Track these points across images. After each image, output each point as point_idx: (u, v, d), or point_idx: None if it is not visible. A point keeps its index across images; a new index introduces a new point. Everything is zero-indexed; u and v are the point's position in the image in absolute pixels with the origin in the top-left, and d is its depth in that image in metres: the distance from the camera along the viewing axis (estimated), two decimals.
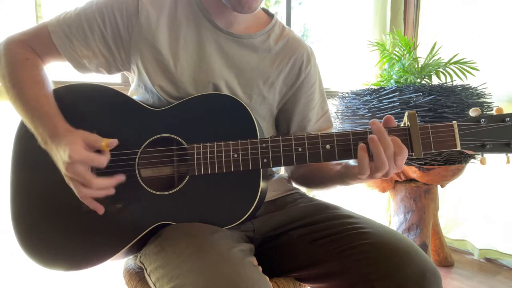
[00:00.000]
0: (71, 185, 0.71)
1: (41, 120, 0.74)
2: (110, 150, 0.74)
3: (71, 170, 0.68)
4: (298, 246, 0.81)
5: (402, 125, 0.72)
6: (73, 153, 0.66)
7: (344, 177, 0.76)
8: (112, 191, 0.72)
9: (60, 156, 0.69)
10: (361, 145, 0.69)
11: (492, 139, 0.68)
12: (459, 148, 0.69)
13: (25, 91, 0.76)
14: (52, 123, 0.73)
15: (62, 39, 0.81)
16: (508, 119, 0.68)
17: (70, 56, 0.82)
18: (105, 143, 0.71)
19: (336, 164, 0.80)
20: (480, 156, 0.71)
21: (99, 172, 0.72)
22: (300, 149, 0.73)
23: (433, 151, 0.69)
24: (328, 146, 0.72)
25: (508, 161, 0.69)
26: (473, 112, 0.70)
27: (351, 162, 0.74)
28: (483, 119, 0.68)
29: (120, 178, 0.72)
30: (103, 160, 0.70)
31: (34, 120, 0.74)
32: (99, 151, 0.72)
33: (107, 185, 0.70)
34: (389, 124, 0.71)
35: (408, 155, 0.70)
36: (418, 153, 0.69)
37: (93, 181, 0.68)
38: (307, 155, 0.73)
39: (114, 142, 0.72)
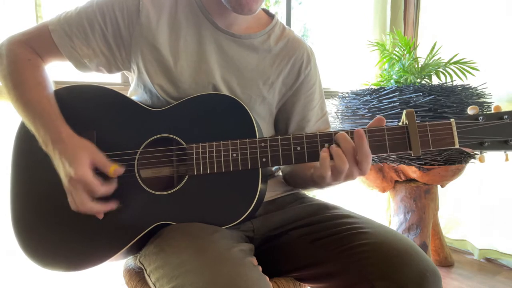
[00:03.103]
0: (68, 195, 0.73)
1: (42, 122, 0.74)
2: (110, 151, 0.76)
3: (72, 184, 0.71)
4: (298, 246, 0.81)
5: (400, 123, 0.72)
6: (78, 171, 0.69)
7: (315, 178, 0.76)
8: (100, 215, 0.75)
9: (64, 166, 0.71)
10: (324, 149, 0.71)
11: (490, 137, 0.68)
12: (457, 146, 0.69)
13: (26, 92, 0.77)
14: (54, 126, 0.73)
15: (63, 38, 0.81)
16: (506, 116, 0.68)
17: (70, 55, 0.82)
18: (113, 170, 0.73)
19: (313, 167, 0.80)
20: (479, 154, 0.71)
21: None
22: (298, 148, 0.73)
23: (431, 149, 0.69)
24: (326, 145, 0.72)
25: (506, 159, 0.69)
26: (471, 110, 0.70)
27: None
28: (481, 117, 0.68)
29: (113, 206, 0.74)
30: (101, 191, 0.71)
31: (36, 122, 0.74)
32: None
33: (95, 211, 0.73)
34: (380, 123, 0.72)
35: (407, 153, 0.70)
36: (416, 151, 0.69)
37: (85, 203, 0.71)
38: (306, 154, 0.73)
39: (121, 170, 0.75)
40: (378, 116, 0.72)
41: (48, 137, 0.73)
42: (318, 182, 0.76)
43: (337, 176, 0.70)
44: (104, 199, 0.73)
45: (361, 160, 0.68)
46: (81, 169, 0.69)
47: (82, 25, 0.81)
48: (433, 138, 0.69)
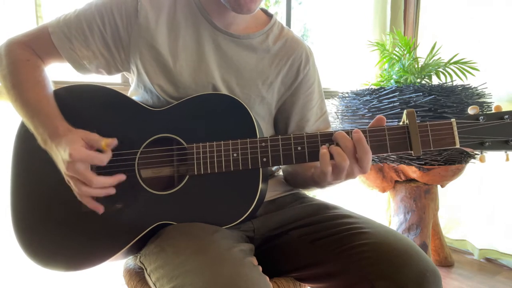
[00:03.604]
0: (71, 184, 0.72)
1: (41, 121, 0.74)
2: (111, 150, 0.75)
3: (71, 169, 0.68)
4: (298, 246, 0.81)
5: (401, 123, 0.72)
6: (73, 152, 0.67)
7: (316, 177, 0.77)
8: (112, 191, 0.72)
9: (61, 155, 0.70)
10: (323, 146, 0.71)
11: (491, 137, 0.68)
12: (458, 146, 0.69)
13: (25, 91, 0.77)
14: (52, 123, 0.73)
15: (62, 40, 0.81)
16: (506, 116, 0.68)
17: (70, 57, 0.83)
18: (105, 142, 0.72)
19: (313, 166, 0.80)
20: (479, 154, 0.71)
21: (99, 172, 0.72)
22: (299, 148, 0.73)
23: (432, 149, 0.69)
24: (327, 145, 0.72)
25: (507, 159, 0.69)
26: (471, 110, 0.70)
27: None
28: (482, 117, 0.68)
29: (121, 177, 0.73)
30: (103, 158, 0.70)
31: (34, 120, 0.75)
32: (99, 150, 0.72)
33: (107, 184, 0.71)
34: (380, 123, 0.72)
35: (407, 153, 0.70)
36: (417, 151, 0.69)
37: (93, 180, 0.68)
38: (306, 154, 0.73)
39: (114, 142, 0.73)
40: (378, 115, 0.73)
41: (46, 134, 0.73)
42: (319, 181, 0.76)
43: (338, 174, 0.70)
44: (106, 198, 0.72)
45: (361, 157, 0.68)
46: (76, 149, 0.68)
47: (81, 28, 0.81)
48: (433, 138, 0.69)
